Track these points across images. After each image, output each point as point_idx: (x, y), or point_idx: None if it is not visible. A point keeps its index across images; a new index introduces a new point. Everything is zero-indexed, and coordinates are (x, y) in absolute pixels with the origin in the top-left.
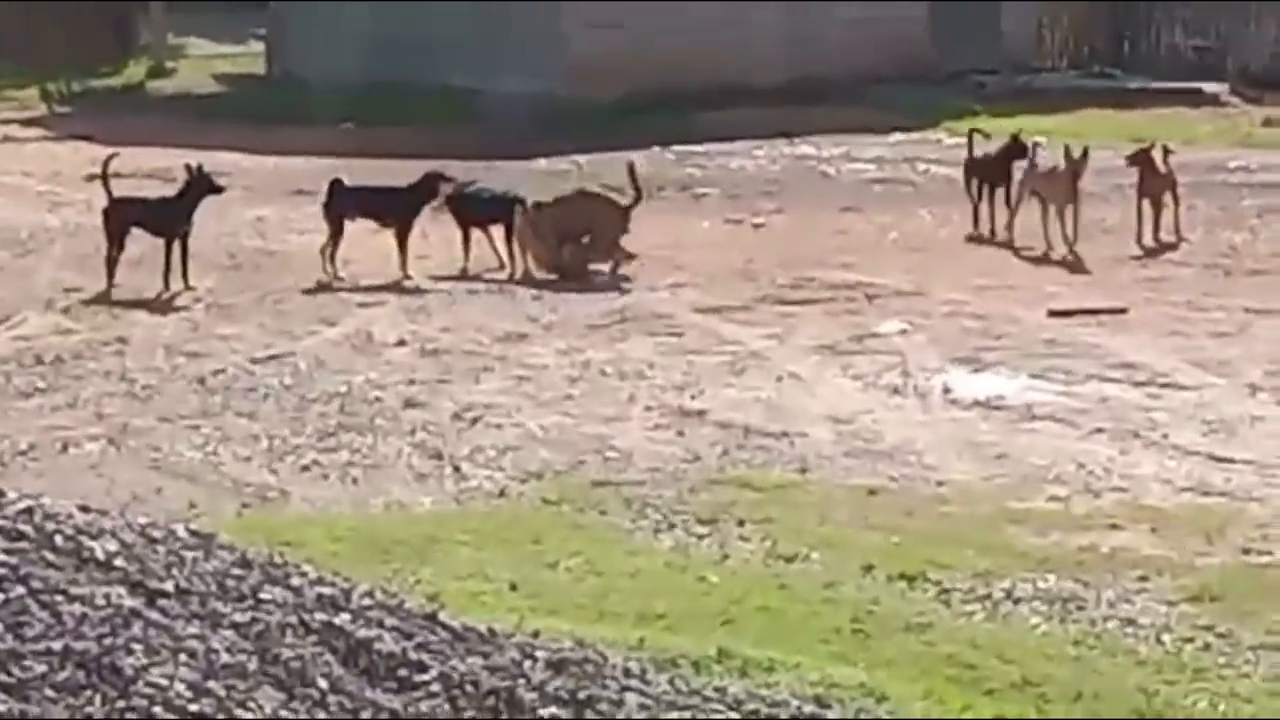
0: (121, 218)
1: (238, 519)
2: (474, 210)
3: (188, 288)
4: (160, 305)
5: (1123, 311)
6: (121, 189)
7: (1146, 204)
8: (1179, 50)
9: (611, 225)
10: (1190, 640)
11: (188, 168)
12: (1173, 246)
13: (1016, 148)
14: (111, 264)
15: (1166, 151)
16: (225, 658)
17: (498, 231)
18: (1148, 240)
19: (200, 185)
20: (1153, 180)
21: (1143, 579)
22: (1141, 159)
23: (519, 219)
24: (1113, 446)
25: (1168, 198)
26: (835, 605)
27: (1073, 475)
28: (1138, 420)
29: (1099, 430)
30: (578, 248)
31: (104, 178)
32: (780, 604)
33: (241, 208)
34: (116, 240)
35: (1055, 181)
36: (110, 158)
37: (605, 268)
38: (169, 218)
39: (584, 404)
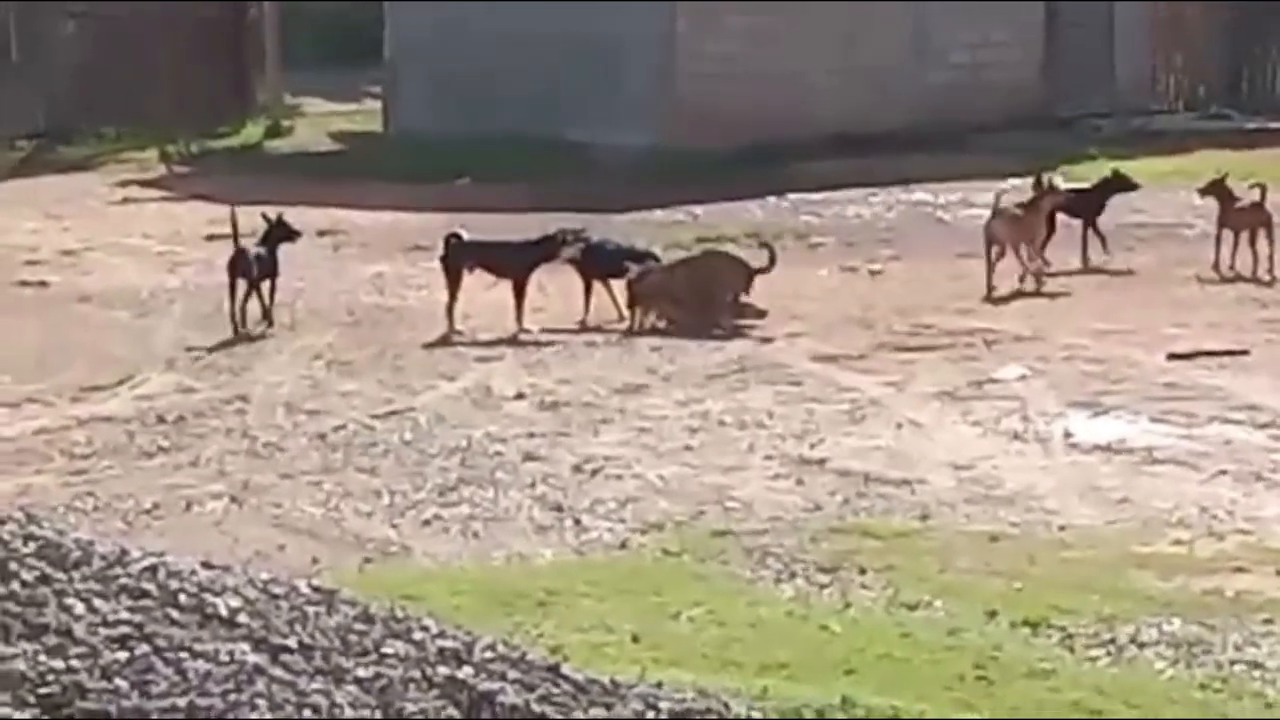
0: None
1: (360, 574)
2: (597, 263)
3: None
4: (280, 363)
5: (1244, 353)
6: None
7: (1228, 234)
8: None
9: (734, 285)
10: None
11: (264, 217)
12: (1267, 284)
13: (1117, 184)
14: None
15: (1261, 188)
16: (349, 713)
17: (619, 284)
18: (1225, 270)
19: (278, 232)
20: (1232, 212)
21: (1268, 621)
22: (1216, 189)
23: (643, 278)
24: (1236, 489)
25: (1263, 234)
26: (958, 652)
27: (1196, 518)
28: (1261, 462)
29: (1222, 473)
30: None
31: (234, 227)
32: (903, 652)
33: (359, 264)
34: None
35: (1021, 220)
36: (235, 209)
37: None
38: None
39: (703, 454)
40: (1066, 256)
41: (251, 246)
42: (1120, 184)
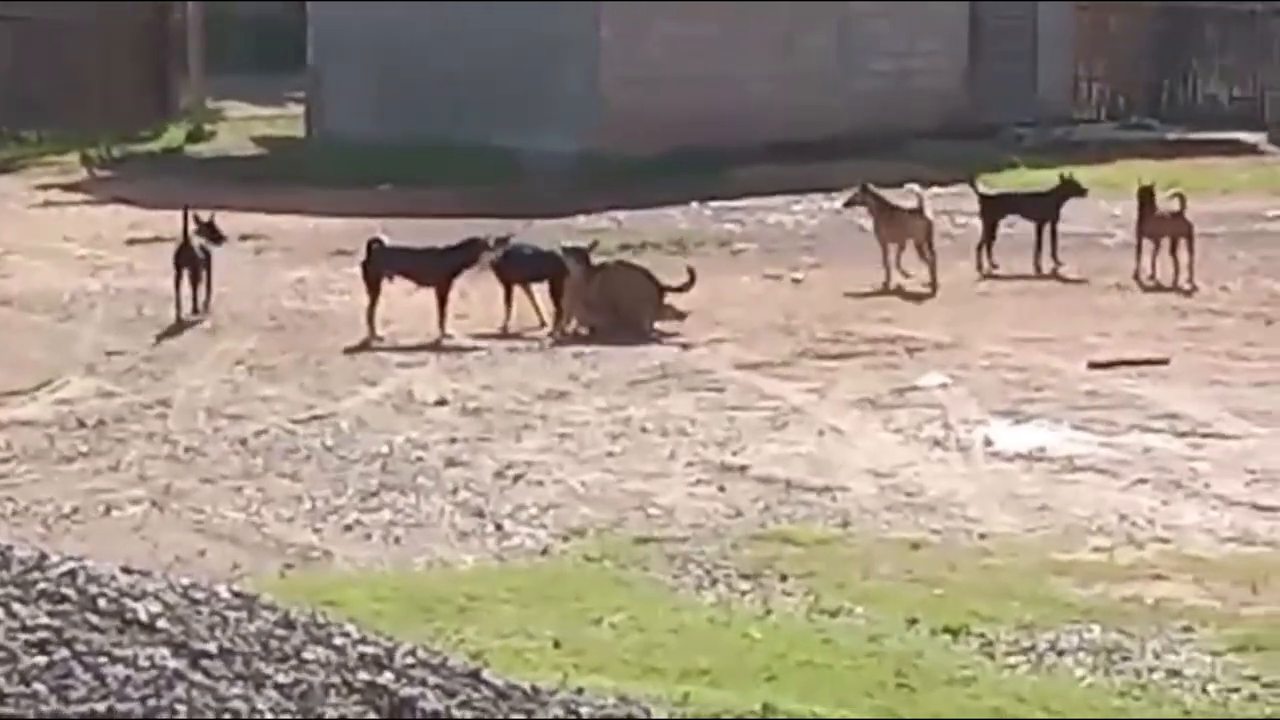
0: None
1: (281, 579)
2: (517, 268)
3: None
4: (201, 368)
5: (1163, 362)
6: (159, 251)
7: (1148, 243)
8: (1217, 100)
9: (644, 301)
10: (1236, 690)
11: (195, 218)
12: (1187, 293)
13: (1068, 189)
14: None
15: (1180, 198)
16: (269, 718)
17: (539, 288)
18: (1145, 279)
19: (205, 234)
20: (1152, 221)
21: (1187, 629)
22: (1141, 197)
23: (572, 276)
24: (1156, 497)
25: (1183, 243)
26: (879, 659)
27: (1116, 526)
28: (1180, 470)
29: (1142, 481)
30: (619, 316)
31: (184, 224)
32: (824, 659)
33: (281, 269)
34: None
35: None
36: (187, 208)
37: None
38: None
39: (625, 461)
40: (1009, 261)
41: (194, 239)
42: (1071, 189)
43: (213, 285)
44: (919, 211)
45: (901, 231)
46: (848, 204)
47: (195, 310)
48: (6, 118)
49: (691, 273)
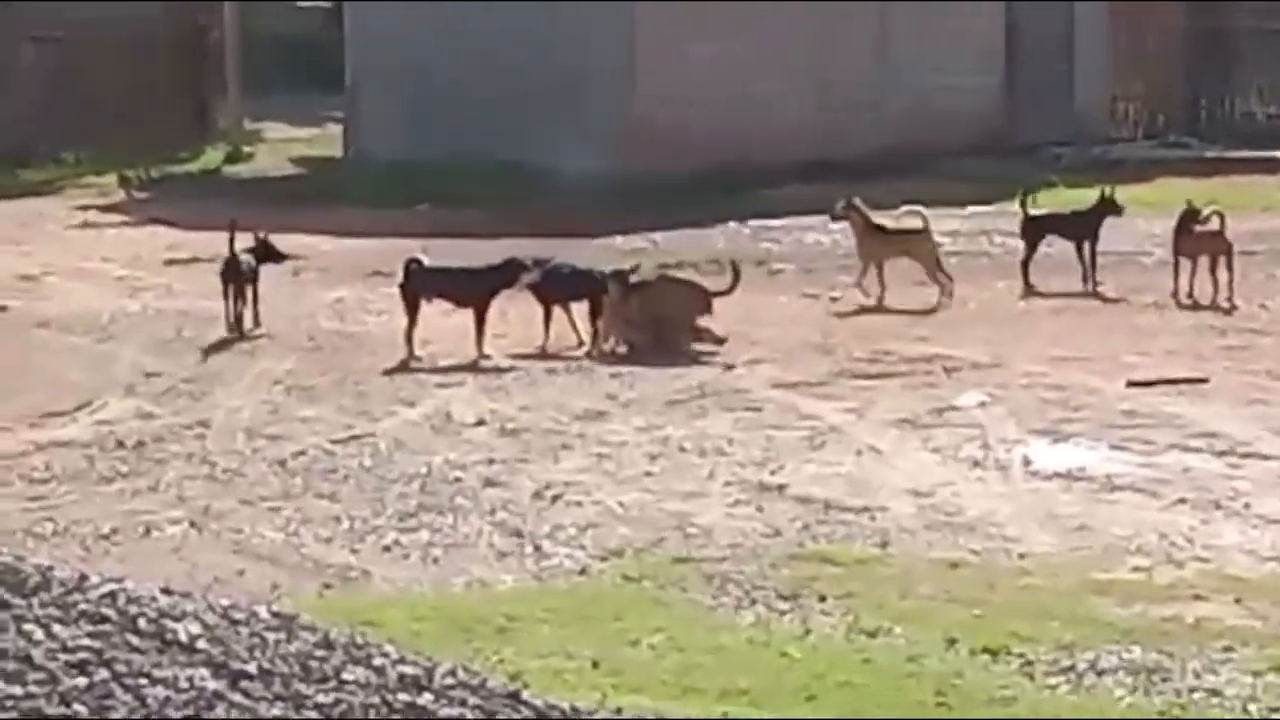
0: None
1: (320, 600)
2: (556, 287)
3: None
4: (240, 389)
5: (1203, 381)
6: (197, 272)
7: (1185, 262)
8: (1255, 118)
9: (691, 311)
10: (1277, 710)
11: (255, 236)
12: (1226, 312)
13: (1108, 207)
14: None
15: (1220, 216)
16: None
17: (578, 308)
18: (1183, 298)
19: (260, 251)
20: (1190, 239)
21: (1227, 649)
22: (1182, 216)
23: (611, 295)
24: (1195, 516)
25: (1222, 262)
26: (918, 680)
27: (1155, 546)
28: (1220, 490)
29: (1181, 500)
30: (659, 333)
31: (231, 239)
32: (863, 679)
33: (319, 290)
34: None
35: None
36: (234, 224)
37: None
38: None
39: (664, 481)
40: (1047, 280)
41: (241, 255)
42: (1110, 208)
43: (258, 301)
44: (924, 232)
45: (887, 250)
46: (833, 218)
47: (241, 328)
48: (45, 139)
49: (735, 270)
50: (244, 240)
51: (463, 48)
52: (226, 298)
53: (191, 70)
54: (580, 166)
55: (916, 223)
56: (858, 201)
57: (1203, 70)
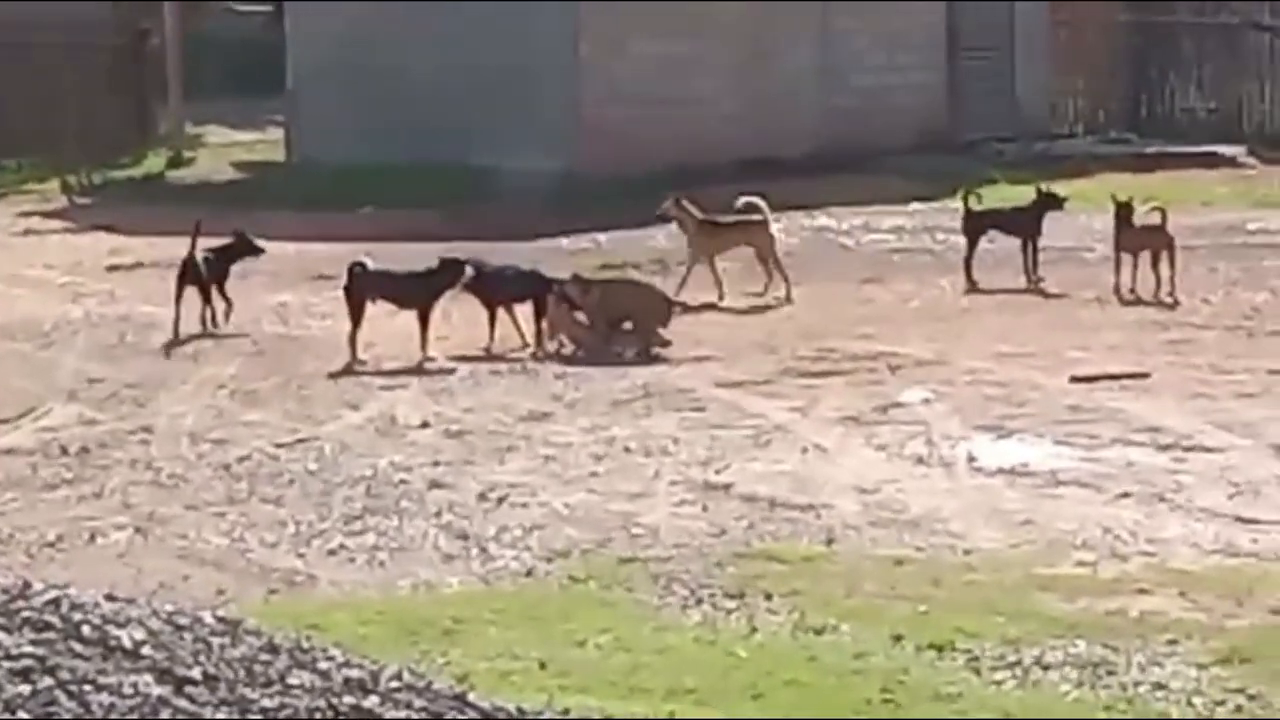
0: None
1: (265, 604)
2: (499, 288)
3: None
4: (184, 394)
5: (1145, 376)
6: (140, 277)
7: (1126, 257)
8: (1195, 113)
9: (657, 315)
10: (1221, 703)
11: (233, 232)
12: (1168, 306)
13: (1048, 202)
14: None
15: (1161, 211)
16: None
17: (522, 309)
18: (1125, 293)
19: (240, 246)
20: (1130, 234)
21: (1172, 642)
22: (1118, 210)
23: (555, 297)
24: (1139, 511)
25: (1164, 256)
26: (865, 676)
27: (1099, 540)
28: (1163, 484)
29: (1125, 495)
30: (619, 332)
31: (193, 239)
32: (809, 677)
33: (263, 294)
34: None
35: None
36: (199, 223)
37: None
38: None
39: (609, 481)
40: (989, 276)
41: (199, 254)
42: (1051, 202)
43: (219, 300)
44: (762, 225)
45: (725, 243)
46: (659, 217)
47: (204, 328)
48: None
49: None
50: (210, 241)
51: (405, 49)
52: (178, 301)
53: (132, 74)
54: (525, 167)
55: (755, 215)
56: (684, 200)
57: (1143, 66)
